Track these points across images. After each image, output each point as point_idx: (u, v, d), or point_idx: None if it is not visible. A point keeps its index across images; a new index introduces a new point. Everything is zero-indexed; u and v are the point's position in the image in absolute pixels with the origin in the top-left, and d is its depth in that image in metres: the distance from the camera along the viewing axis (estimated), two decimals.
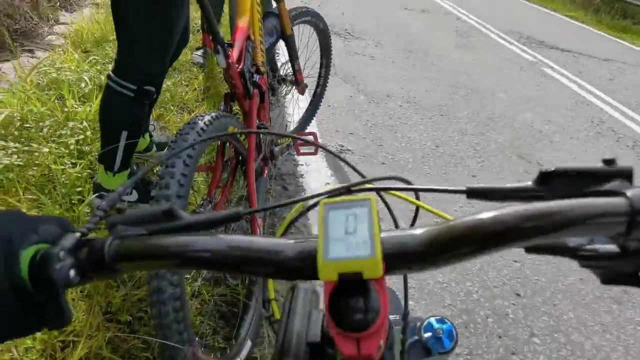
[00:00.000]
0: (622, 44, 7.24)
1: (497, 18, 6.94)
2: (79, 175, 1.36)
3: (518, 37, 5.95)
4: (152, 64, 1.21)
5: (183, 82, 2.35)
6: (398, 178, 0.42)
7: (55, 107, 1.62)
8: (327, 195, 0.36)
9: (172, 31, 1.17)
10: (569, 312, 1.67)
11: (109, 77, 1.20)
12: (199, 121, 0.96)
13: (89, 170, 1.42)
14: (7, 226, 0.29)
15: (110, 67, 1.26)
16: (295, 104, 2.40)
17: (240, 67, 1.25)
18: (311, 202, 0.39)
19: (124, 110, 1.21)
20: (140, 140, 1.46)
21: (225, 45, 1.13)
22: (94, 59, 2.17)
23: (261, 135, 1.38)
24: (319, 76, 2.35)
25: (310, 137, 1.67)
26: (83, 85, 1.85)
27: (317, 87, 2.36)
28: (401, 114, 3.00)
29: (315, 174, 2.12)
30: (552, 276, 1.82)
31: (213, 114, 1.03)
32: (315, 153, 2.03)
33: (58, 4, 3.68)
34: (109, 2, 1.15)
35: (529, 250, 0.31)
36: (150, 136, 1.70)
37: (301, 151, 1.77)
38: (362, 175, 0.55)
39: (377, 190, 0.41)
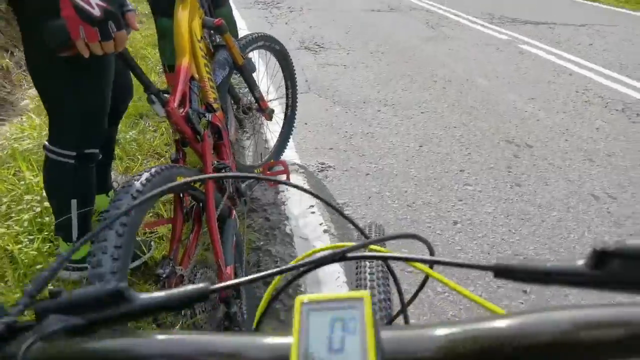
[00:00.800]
0: (595, 7, 7.19)
1: (466, 3, 6.92)
2: (39, 251, 1.30)
3: (490, 19, 5.91)
4: (87, 128, 1.15)
5: (150, 127, 2.30)
6: (410, 236, 0.34)
7: (14, 182, 1.57)
8: (314, 265, 0.29)
9: (100, 92, 1.12)
10: None
11: (44, 147, 1.15)
12: (135, 182, 0.90)
13: (50, 243, 1.36)
14: None
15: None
16: (267, 130, 2.35)
17: (184, 110, 1.19)
18: (293, 273, 0.32)
19: (68, 179, 1.15)
20: (100, 200, 1.40)
21: (160, 92, 1.07)
22: None
23: None
24: (287, 97, 2.29)
25: (283, 176, 1.62)
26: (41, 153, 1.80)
27: (286, 109, 2.30)
28: (380, 118, 2.93)
29: (297, 199, 2.04)
30: None
31: (153, 170, 0.97)
32: (288, 179, 1.97)
33: (25, 68, 3.68)
34: None
35: None
36: (115, 193, 1.64)
37: (273, 184, 1.71)
38: (363, 233, 0.47)
39: (383, 259, 0.33)
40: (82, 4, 0.77)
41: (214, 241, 1.12)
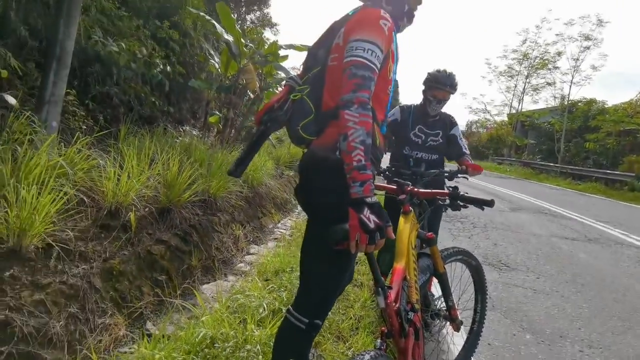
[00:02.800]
0: None
1: None
2: None
3: None
4: (323, 303, 1.40)
5: (340, 310, 2.53)
6: None
7: (238, 330, 1.92)
8: None
9: (343, 277, 1.40)
10: None
11: (287, 310, 1.43)
12: (366, 355, 1.03)
13: None
14: None
15: (284, 294, 1.50)
16: (450, 341, 2.27)
17: (397, 305, 1.35)
18: None
19: (294, 341, 1.37)
20: None
21: (385, 287, 1.28)
22: (272, 286, 2.60)
23: None
24: (475, 311, 2.26)
25: None
26: (261, 310, 2.18)
27: (473, 323, 2.24)
28: None
29: None
30: None
31: (372, 353, 1.09)
32: None
33: (251, 239, 4.74)
34: (287, 238, 1.48)
35: None
36: None
37: None
38: None
39: None
40: (364, 218, 1.11)
41: None
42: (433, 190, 1.83)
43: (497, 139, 27.83)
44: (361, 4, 1.44)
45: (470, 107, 29.36)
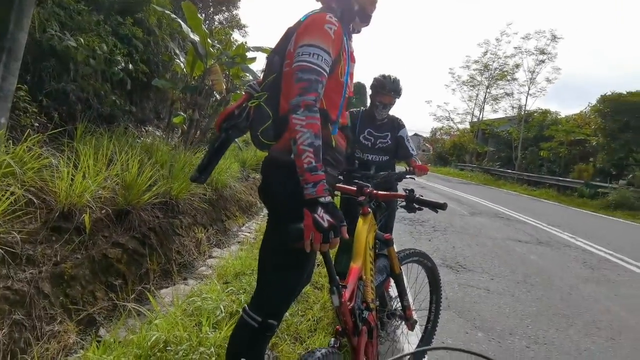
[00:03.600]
0: None
1: (634, 248, 6.36)
2: None
3: None
4: (278, 303, 1.42)
5: (299, 312, 2.55)
6: None
7: (192, 333, 1.90)
8: None
9: (299, 277, 1.42)
10: None
11: (243, 309, 1.44)
12: (317, 352, 1.06)
13: None
14: None
15: (243, 296, 1.51)
16: (405, 340, 2.34)
17: (351, 304, 1.39)
18: None
19: (246, 340, 1.37)
20: None
21: (340, 286, 1.31)
22: (232, 289, 2.58)
23: None
24: (430, 311, 2.34)
25: None
26: (218, 313, 2.16)
27: (427, 322, 2.32)
28: (530, 357, 2.62)
29: None
30: None
31: (323, 350, 1.12)
32: None
33: (214, 242, 4.67)
34: (251, 241, 1.49)
35: None
36: None
37: None
38: None
39: None
40: (318, 218, 1.14)
41: None
42: (391, 193, 1.89)
43: (459, 146, 28.84)
44: (316, 9, 1.48)
45: (435, 115, 30.18)
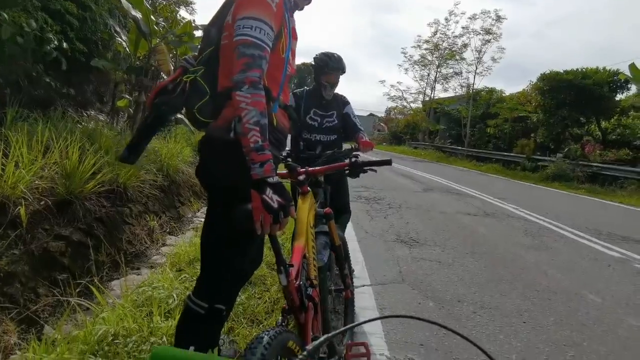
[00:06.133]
0: None
1: (569, 216, 6.91)
2: None
3: (597, 234, 5.74)
4: (225, 287, 1.41)
5: (256, 295, 2.55)
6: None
7: (143, 324, 1.84)
8: None
9: (245, 259, 1.41)
10: None
11: (187, 296, 1.41)
12: (265, 336, 1.06)
13: None
14: None
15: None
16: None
17: (297, 282, 1.40)
18: None
19: (195, 328, 1.35)
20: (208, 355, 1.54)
21: (287, 265, 1.32)
22: (185, 276, 2.52)
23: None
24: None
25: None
26: (171, 301, 2.11)
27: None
28: (476, 321, 2.81)
29: None
30: None
31: (276, 330, 1.12)
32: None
33: (167, 230, 4.53)
34: None
35: None
36: (219, 351, 1.78)
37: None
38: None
39: None
40: (267, 199, 1.12)
41: None
42: (328, 166, 1.91)
43: (413, 125, 29.60)
44: None
45: (389, 95, 30.62)
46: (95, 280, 2.54)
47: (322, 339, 0.50)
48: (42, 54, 4.49)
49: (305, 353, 0.45)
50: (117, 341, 1.70)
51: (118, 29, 6.05)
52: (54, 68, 4.90)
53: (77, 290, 2.41)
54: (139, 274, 3.12)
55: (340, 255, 2.03)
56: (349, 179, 2.64)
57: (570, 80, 14.95)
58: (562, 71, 15.74)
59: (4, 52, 4.02)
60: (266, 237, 1.28)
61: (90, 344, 1.67)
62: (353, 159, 1.93)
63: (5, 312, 2.21)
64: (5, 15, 3.91)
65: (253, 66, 1.17)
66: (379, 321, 2.38)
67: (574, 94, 14.86)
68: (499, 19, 22.18)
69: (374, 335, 2.46)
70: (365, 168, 1.94)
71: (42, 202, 2.90)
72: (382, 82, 54.39)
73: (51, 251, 2.74)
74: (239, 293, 2.43)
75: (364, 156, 2.39)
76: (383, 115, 39.04)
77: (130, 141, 1.36)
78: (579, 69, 15.51)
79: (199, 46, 5.24)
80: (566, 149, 14.91)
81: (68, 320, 2.15)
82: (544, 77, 16.26)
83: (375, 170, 2.00)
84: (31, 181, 2.77)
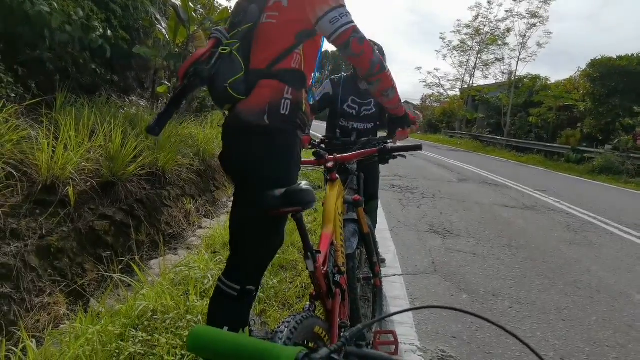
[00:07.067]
0: None
1: (615, 212, 6.53)
2: None
3: None
4: (255, 269, 1.43)
5: (288, 279, 2.59)
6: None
7: (180, 302, 1.92)
8: None
9: (274, 242, 1.43)
10: None
11: (219, 279, 1.44)
12: (292, 320, 1.07)
13: None
14: None
15: None
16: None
17: (325, 269, 1.41)
18: None
19: (228, 308, 1.39)
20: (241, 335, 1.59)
21: (314, 252, 1.32)
22: (220, 258, 2.60)
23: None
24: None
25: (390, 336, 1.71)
26: (206, 281, 2.19)
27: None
28: (512, 316, 2.72)
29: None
30: None
31: (303, 315, 1.14)
32: (395, 353, 1.92)
33: (203, 213, 4.67)
34: None
35: None
36: (250, 331, 1.82)
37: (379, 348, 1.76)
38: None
39: None
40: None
41: None
42: (357, 152, 1.88)
43: (449, 113, 28.75)
44: None
45: (425, 82, 29.83)
46: (136, 259, 2.66)
47: (360, 325, 0.50)
48: (89, 41, 4.68)
49: (343, 339, 0.45)
50: (156, 317, 1.78)
51: (158, 17, 6.20)
52: (99, 55, 5.11)
53: (120, 267, 2.54)
54: (176, 255, 3.24)
55: (369, 243, 2.02)
56: (381, 167, 2.59)
57: (624, 66, 13.95)
58: (615, 57, 14.71)
59: (54, 40, 4.22)
60: (293, 223, 1.29)
61: (132, 318, 1.76)
62: (382, 145, 1.90)
63: (56, 284, 2.37)
64: (55, 4, 4.09)
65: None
66: (410, 311, 2.35)
67: (627, 82, 13.87)
68: (546, 1, 20.93)
69: (405, 325, 2.44)
70: (395, 154, 1.90)
71: (88, 183, 3.05)
72: (419, 69, 53.23)
73: (96, 229, 2.89)
74: (267, 276, 2.48)
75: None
76: (418, 103, 38.14)
77: (159, 112, 1.36)
78: (634, 55, 14.43)
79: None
80: (616, 140, 13.99)
81: (111, 295, 2.27)
82: (594, 64, 15.26)
83: (405, 156, 1.97)
84: (78, 163, 2.92)
